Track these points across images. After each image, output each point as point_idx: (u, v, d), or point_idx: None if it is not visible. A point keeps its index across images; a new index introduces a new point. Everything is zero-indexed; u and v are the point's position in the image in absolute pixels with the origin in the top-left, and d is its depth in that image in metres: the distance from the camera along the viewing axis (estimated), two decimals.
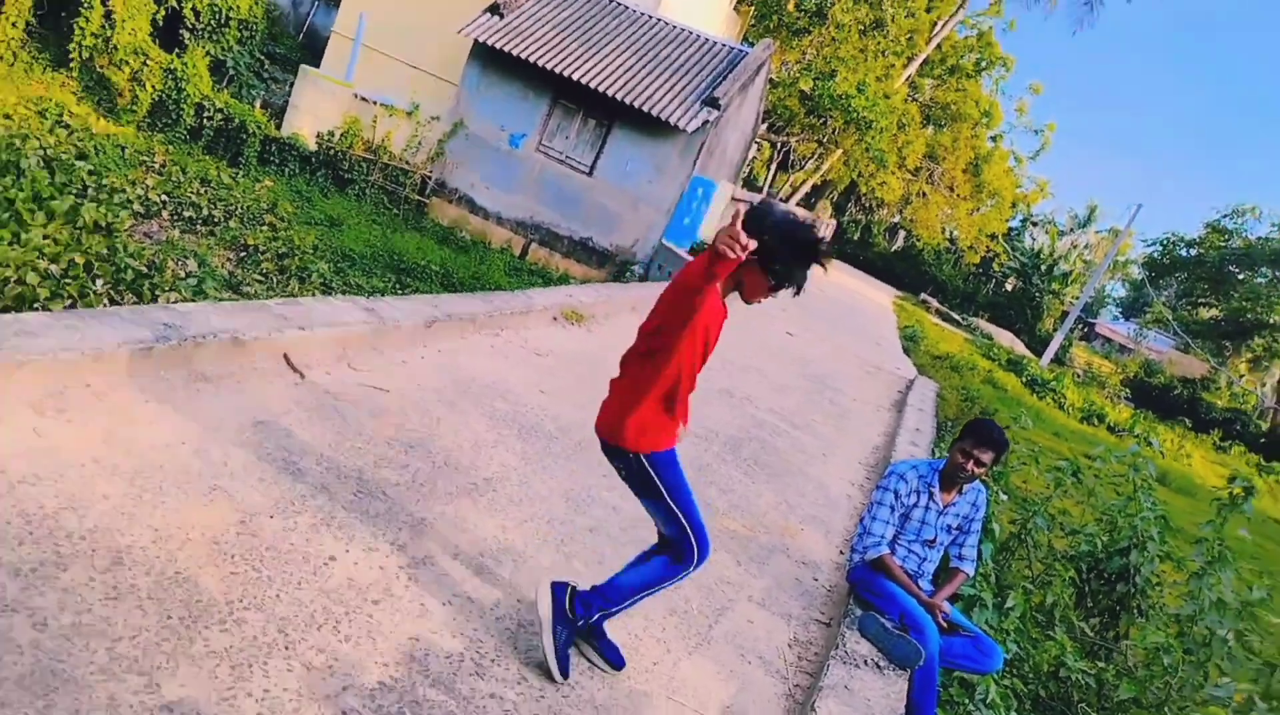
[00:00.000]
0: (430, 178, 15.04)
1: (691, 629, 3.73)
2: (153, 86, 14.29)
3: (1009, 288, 46.55)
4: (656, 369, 2.85)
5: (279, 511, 3.22)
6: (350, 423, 4.16)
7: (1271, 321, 36.02)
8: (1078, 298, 35.32)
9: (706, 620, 3.86)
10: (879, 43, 24.43)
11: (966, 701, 4.11)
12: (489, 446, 4.62)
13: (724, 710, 3.27)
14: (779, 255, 2.68)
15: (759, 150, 29.70)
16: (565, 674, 3.00)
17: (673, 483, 2.99)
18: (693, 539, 3.02)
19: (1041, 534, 7.24)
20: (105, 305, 6.46)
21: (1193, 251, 39.37)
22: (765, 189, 28.23)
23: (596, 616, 3.05)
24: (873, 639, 3.91)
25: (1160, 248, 41.17)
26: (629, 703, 3.06)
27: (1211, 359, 38.39)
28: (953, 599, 4.55)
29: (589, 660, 3.17)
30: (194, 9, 15.41)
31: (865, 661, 3.72)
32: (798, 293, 2.84)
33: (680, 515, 3.00)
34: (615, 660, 3.19)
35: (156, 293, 7.27)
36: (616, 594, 3.05)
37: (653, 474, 2.96)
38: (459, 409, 4.92)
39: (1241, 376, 42.73)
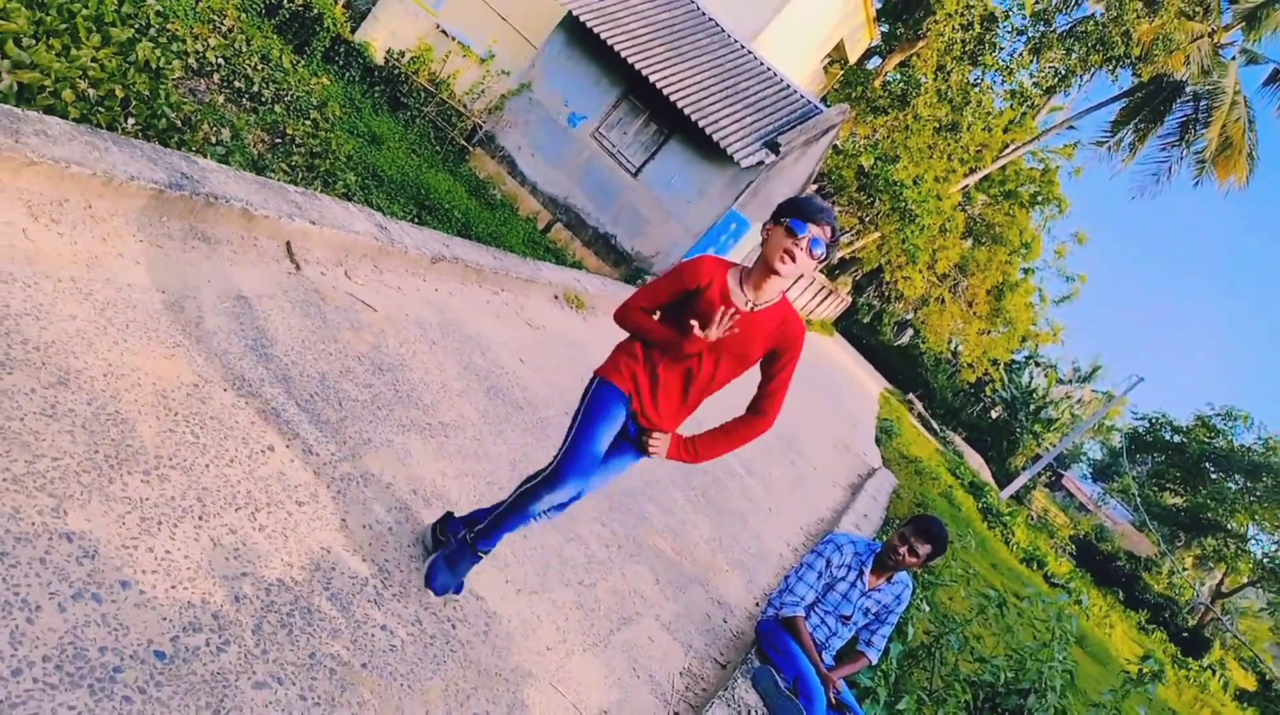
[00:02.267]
0: (482, 128, 15.02)
1: (593, 628, 3.71)
2: None
3: (993, 415, 46.83)
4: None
5: (233, 387, 3.19)
6: (330, 327, 4.13)
7: (1229, 526, 36.36)
8: (1055, 446, 35.60)
9: (610, 625, 3.84)
10: (949, 145, 24.63)
11: None
12: (454, 394, 4.59)
13: (600, 714, 3.24)
14: (784, 205, 2.72)
15: None
16: (436, 590, 3.06)
17: (584, 408, 2.90)
18: (556, 458, 2.88)
19: (951, 652, 7.25)
20: (132, 143, 6.41)
21: (1176, 437, 39.73)
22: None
23: (464, 535, 3.05)
24: (763, 693, 3.90)
25: (1147, 424, 41.56)
26: (512, 677, 3.04)
27: (1162, 543, 38.69)
28: (849, 682, 4.55)
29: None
30: None
31: (750, 712, 3.71)
32: (818, 243, 2.68)
33: (566, 434, 2.91)
34: (439, 585, 3.07)
35: (185, 149, 7.22)
36: (481, 514, 3.09)
37: (582, 394, 2.95)
38: (437, 350, 4.90)
39: (1185, 569, 43.09)
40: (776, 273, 2.70)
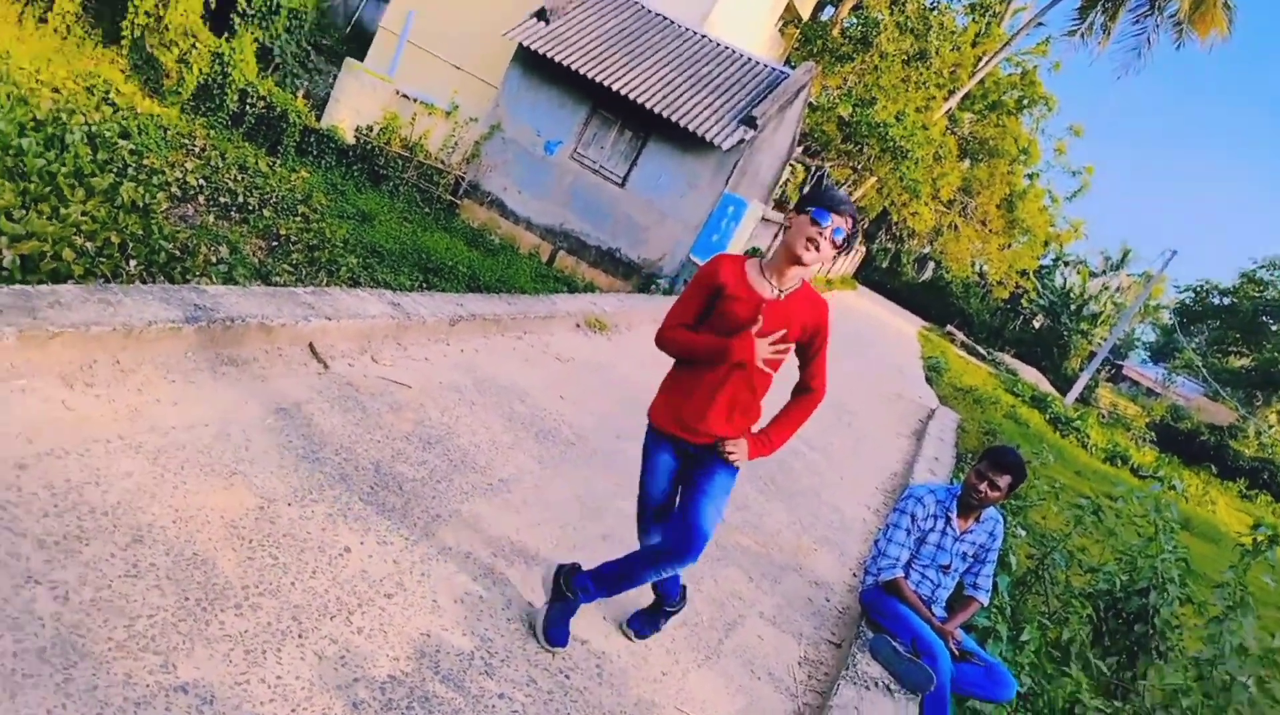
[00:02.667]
0: (464, 179, 15.13)
1: (701, 641, 3.70)
2: (200, 69, 14.49)
3: (1036, 325, 46.17)
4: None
5: (297, 499, 3.23)
6: (370, 415, 4.17)
7: None
8: (1106, 339, 34.98)
9: (717, 634, 3.82)
10: (921, 74, 24.34)
11: None
12: (506, 448, 4.61)
13: None
14: (807, 195, 2.85)
15: (793, 173, 29.70)
16: (559, 643, 3.13)
17: (642, 460, 3.19)
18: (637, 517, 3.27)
19: (1059, 570, 7.15)
20: (135, 285, 6.54)
21: (1226, 300, 38.93)
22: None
23: (589, 585, 3.12)
24: (884, 662, 3.86)
25: (1193, 294, 40.77)
26: (637, 711, 3.03)
27: (1240, 408, 37.84)
28: (966, 628, 4.50)
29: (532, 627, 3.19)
30: None
31: (876, 684, 3.68)
32: (845, 244, 2.82)
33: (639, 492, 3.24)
34: (562, 638, 3.15)
35: (188, 276, 7.35)
36: (609, 567, 3.13)
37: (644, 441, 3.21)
38: (478, 409, 4.93)
39: (1271, 427, 42.05)
40: (800, 261, 2.82)
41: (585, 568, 3.17)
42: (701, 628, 3.82)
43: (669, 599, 3.38)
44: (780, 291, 2.88)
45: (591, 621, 3.41)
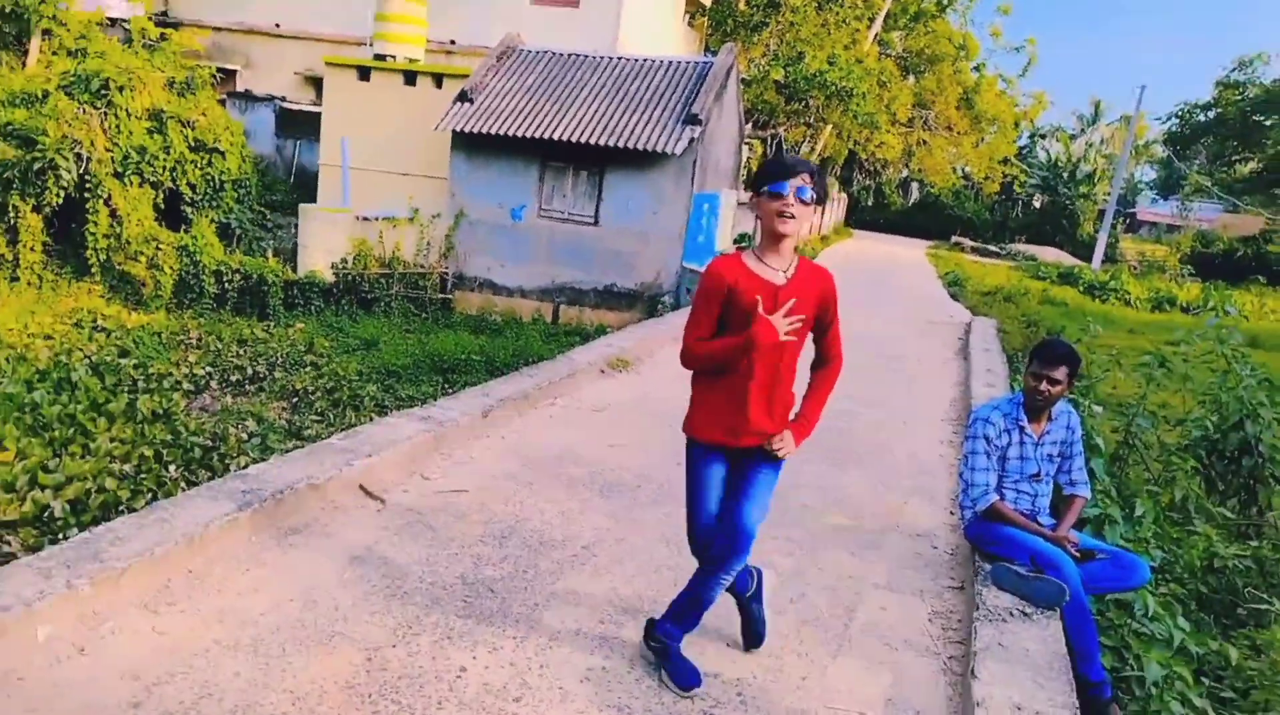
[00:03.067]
0: (447, 274, 15.31)
1: (828, 633, 3.66)
2: (170, 268, 14.84)
3: (1037, 205, 45.62)
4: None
5: (399, 639, 3.25)
6: (439, 532, 4.21)
7: None
8: (1109, 194, 34.48)
9: (840, 620, 3.79)
10: (836, 13, 24.38)
11: (1128, 622, 3.96)
12: (577, 515, 4.63)
13: (887, 703, 3.19)
14: (758, 175, 2.90)
15: (751, 150, 29.77)
16: (693, 685, 3.11)
17: (687, 478, 3.15)
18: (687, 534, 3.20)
19: (1148, 434, 7.01)
20: (183, 487, 6.68)
21: (1211, 114, 38.23)
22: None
23: (671, 629, 3.18)
24: (1010, 589, 3.80)
25: (1177, 120, 40.11)
26: None
27: (1265, 211, 37.07)
28: (1078, 525, 4.42)
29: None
30: (189, 183, 16.00)
31: (1011, 613, 3.62)
32: (802, 198, 2.82)
33: (687, 511, 3.18)
34: (693, 680, 3.14)
35: (227, 461, 7.49)
36: (676, 604, 3.22)
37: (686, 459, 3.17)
38: (537, 487, 4.95)
39: None
40: (783, 234, 2.86)
41: (658, 617, 3.27)
42: (823, 619, 3.79)
43: (743, 592, 3.37)
44: (785, 273, 2.93)
45: (716, 652, 3.39)
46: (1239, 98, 36.66)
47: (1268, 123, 35.85)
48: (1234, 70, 37.25)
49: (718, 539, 3.03)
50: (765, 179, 2.83)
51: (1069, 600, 3.59)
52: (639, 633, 3.48)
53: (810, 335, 3.07)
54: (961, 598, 4.14)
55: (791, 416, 3.09)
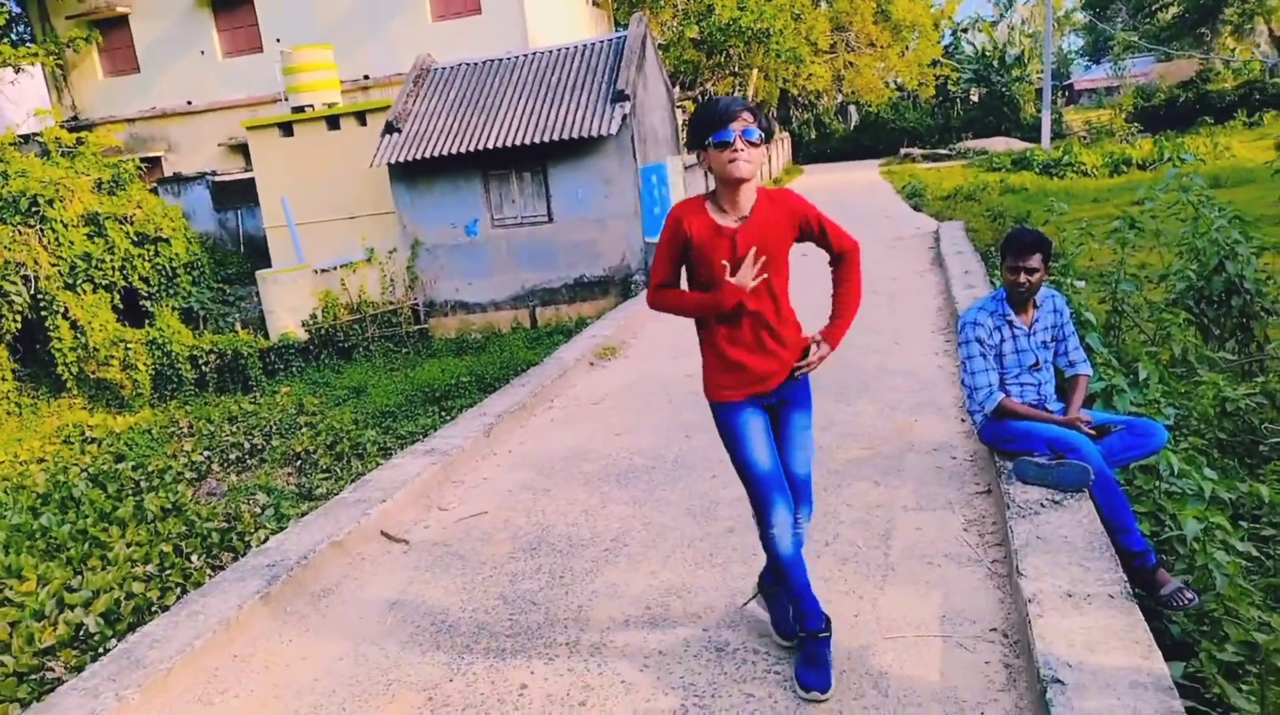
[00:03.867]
0: (417, 305, 15.24)
1: (870, 566, 3.68)
2: (144, 364, 14.74)
3: (976, 99, 45.56)
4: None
5: (455, 672, 3.25)
6: (469, 559, 4.21)
7: None
8: (1042, 71, 34.50)
9: (879, 551, 3.81)
10: None
11: (1157, 485, 3.99)
12: (599, 509, 4.63)
13: (943, 620, 3.22)
14: (696, 129, 2.80)
15: (685, 113, 29.64)
16: (785, 635, 3.14)
17: (729, 443, 2.99)
18: (751, 505, 2.99)
19: (1135, 297, 7.06)
20: (209, 574, 6.66)
21: None
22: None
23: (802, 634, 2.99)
24: (1035, 480, 3.82)
25: None
26: (853, 663, 3.03)
27: (1196, 53, 37.17)
28: (1087, 403, 4.44)
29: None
30: (141, 278, 15.87)
31: (1042, 505, 3.64)
32: (749, 139, 2.72)
33: (740, 477, 3.00)
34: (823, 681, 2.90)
35: (246, 538, 7.47)
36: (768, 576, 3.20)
37: (717, 426, 3.03)
38: (554, 491, 4.95)
39: (1234, 51, 41.29)
40: (741, 179, 2.76)
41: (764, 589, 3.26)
42: (862, 553, 3.81)
43: (816, 629, 3.01)
44: (741, 216, 2.84)
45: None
46: None
47: None
48: None
49: None
50: (706, 129, 2.73)
51: (1094, 479, 3.61)
52: (686, 611, 3.49)
53: (815, 247, 3.06)
54: (990, 501, 4.16)
55: (817, 334, 3.06)
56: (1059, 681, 2.55)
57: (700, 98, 27.00)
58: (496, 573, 4.02)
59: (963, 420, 5.29)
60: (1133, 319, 7.13)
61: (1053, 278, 6.93)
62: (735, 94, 28.42)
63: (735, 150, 2.69)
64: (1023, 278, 4.02)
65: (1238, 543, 3.51)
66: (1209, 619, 3.36)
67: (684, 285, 3.01)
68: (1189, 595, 3.29)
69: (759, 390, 2.95)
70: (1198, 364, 6.03)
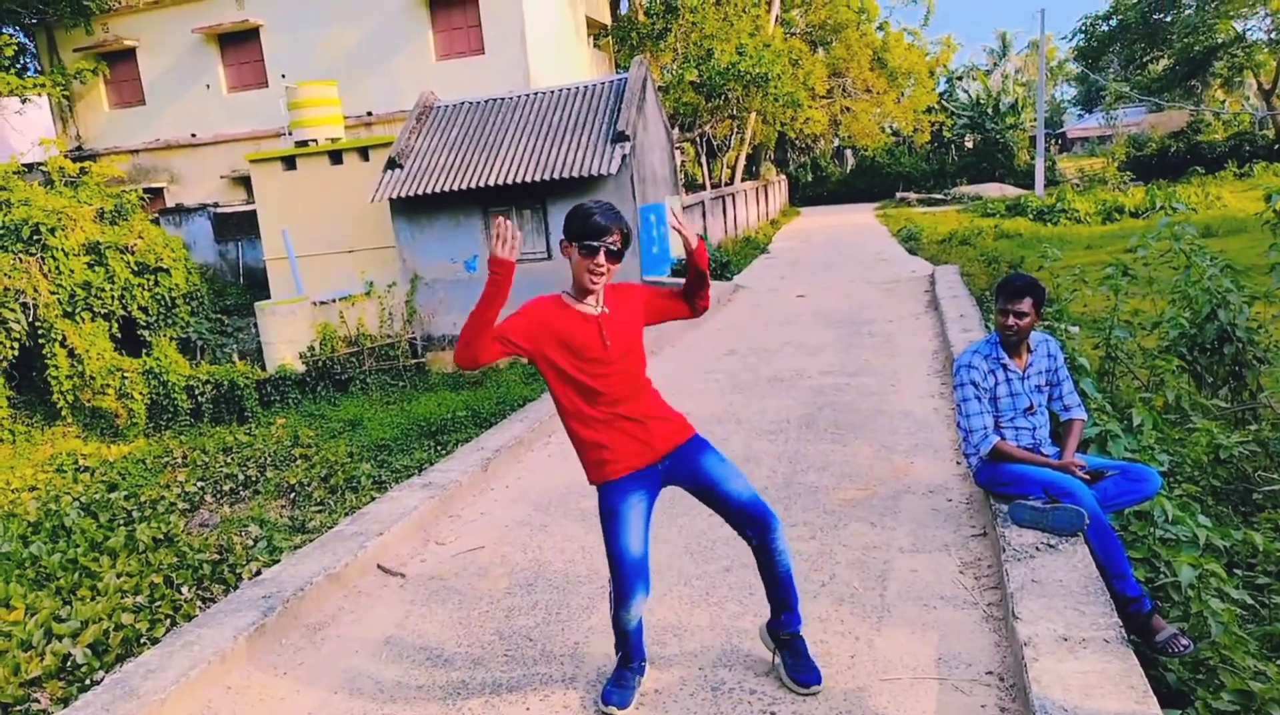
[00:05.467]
0: (415, 338, 15.29)
1: (866, 607, 3.69)
2: (140, 394, 14.71)
3: (970, 145, 46.21)
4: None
5: (451, 708, 3.24)
6: (466, 594, 4.20)
7: (1219, 40, 35.43)
8: (1033, 120, 35.01)
9: (875, 592, 3.82)
10: (735, 5, 24.66)
11: (1152, 531, 4.02)
12: (596, 547, 4.62)
13: (939, 662, 3.22)
14: (570, 226, 2.92)
15: (684, 154, 29.99)
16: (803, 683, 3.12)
17: (604, 528, 3.09)
18: (609, 580, 3.09)
19: (1129, 343, 7.13)
20: (200, 606, 6.61)
21: (1113, 22, 38.87)
22: (707, 182, 28.41)
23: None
24: (1031, 524, 3.85)
25: (1082, 35, 40.75)
26: (849, 704, 3.03)
27: (1187, 104, 37.81)
28: (1082, 448, 4.48)
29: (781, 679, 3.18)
30: (140, 307, 15.91)
31: (1037, 548, 3.67)
32: (610, 252, 2.89)
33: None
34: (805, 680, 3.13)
35: (238, 570, 7.42)
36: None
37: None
38: (551, 529, 4.95)
39: (1224, 103, 42.00)
40: (593, 289, 2.96)
41: (770, 623, 3.25)
42: (858, 595, 3.81)
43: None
44: (601, 306, 3.00)
45: (763, 656, 3.41)
46: (1136, 1, 37.36)
47: (1168, 19, 36.53)
48: None
49: (749, 529, 3.05)
50: (579, 234, 2.88)
51: (1089, 523, 3.64)
52: (682, 648, 3.49)
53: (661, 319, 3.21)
54: (986, 543, 4.18)
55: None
56: None
57: (700, 139, 27.34)
58: (493, 608, 4.01)
59: (959, 462, 5.32)
60: (1126, 365, 7.20)
61: (1046, 323, 7.00)
62: (735, 135, 28.78)
63: (597, 263, 2.89)
64: (1013, 321, 4.09)
65: (1233, 590, 3.53)
66: (1205, 667, 3.37)
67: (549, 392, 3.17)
68: (1184, 642, 3.30)
69: (645, 460, 3.05)
70: (1191, 411, 6.08)
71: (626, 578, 3.00)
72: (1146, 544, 3.97)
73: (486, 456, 5.90)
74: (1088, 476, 3.89)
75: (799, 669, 3.13)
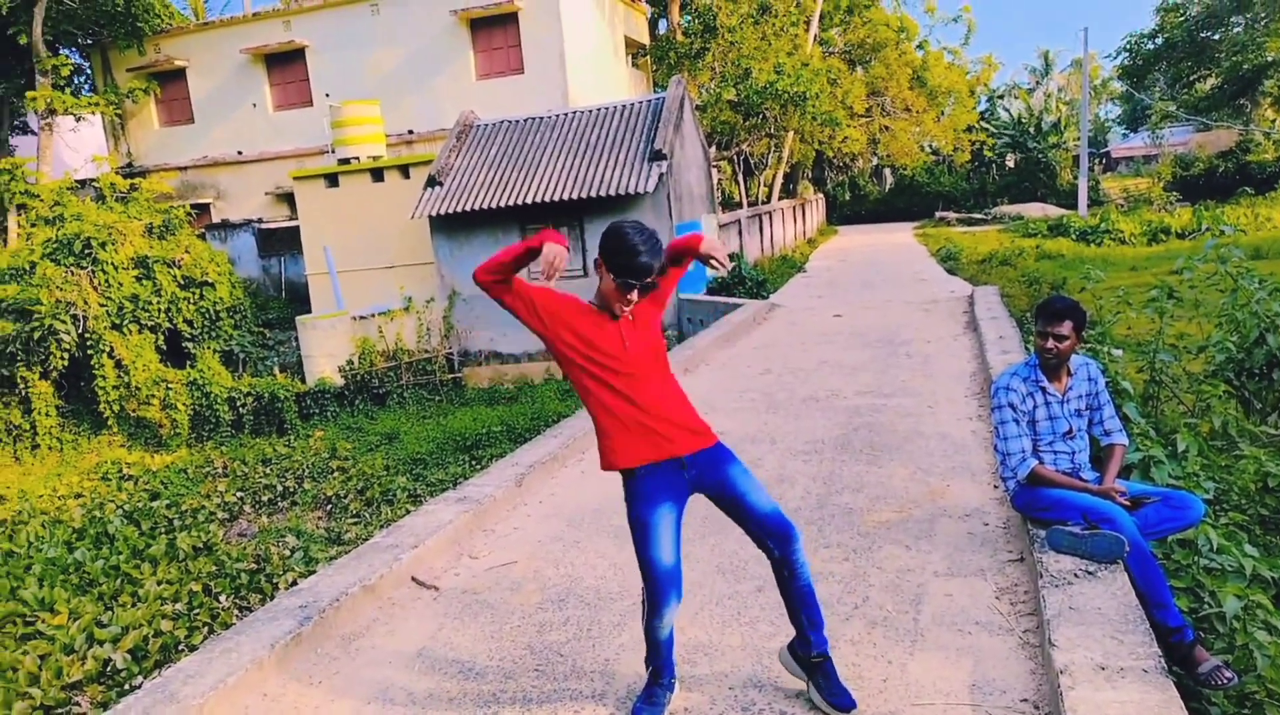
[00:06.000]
0: (452, 354, 15.45)
1: (900, 631, 3.65)
2: (184, 405, 15.03)
3: (1011, 164, 45.77)
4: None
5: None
6: (498, 608, 4.23)
7: (1269, 59, 34.79)
8: (1079, 138, 34.63)
9: (909, 616, 3.78)
10: (773, 24, 24.76)
11: (1196, 560, 3.93)
12: (628, 564, 4.62)
13: (972, 689, 3.18)
14: (609, 254, 2.94)
15: (720, 172, 30.05)
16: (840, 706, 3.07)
17: (632, 524, 3.10)
18: (643, 588, 3.12)
19: (1174, 367, 6.99)
20: (237, 615, 6.71)
21: (1159, 40, 38.39)
22: (744, 200, 28.43)
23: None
24: (1069, 550, 3.79)
25: (1127, 53, 40.28)
26: None
27: (1235, 124, 37.14)
28: (1123, 473, 4.40)
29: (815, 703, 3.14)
30: (186, 320, 16.26)
31: (1075, 575, 3.61)
32: (644, 286, 2.95)
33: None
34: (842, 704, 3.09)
35: (274, 580, 7.53)
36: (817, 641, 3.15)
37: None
38: (584, 546, 4.97)
39: (1274, 122, 41.18)
40: (622, 313, 3.01)
41: (798, 644, 3.20)
42: (891, 618, 3.78)
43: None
44: (626, 313, 3.03)
45: (794, 677, 3.38)
46: (1182, 19, 36.86)
47: (1216, 37, 36.01)
48: None
49: (770, 540, 3.06)
50: (621, 271, 2.90)
51: (1129, 551, 3.57)
52: (713, 668, 3.48)
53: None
54: (1023, 569, 4.12)
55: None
56: None
57: (737, 157, 27.39)
58: (525, 623, 4.03)
59: (995, 486, 5.25)
60: (1171, 390, 7.06)
61: (1089, 346, 6.90)
62: (772, 154, 28.76)
63: (630, 298, 2.95)
64: (1052, 344, 4.05)
65: (1279, 623, 3.45)
66: (1250, 701, 3.29)
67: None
68: (1228, 674, 3.23)
69: (656, 454, 3.04)
70: (1238, 437, 5.94)
71: (659, 584, 3.02)
72: (1190, 573, 3.88)
73: (521, 472, 5.94)
74: (1128, 502, 3.83)
75: (833, 692, 3.10)
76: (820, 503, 5.26)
